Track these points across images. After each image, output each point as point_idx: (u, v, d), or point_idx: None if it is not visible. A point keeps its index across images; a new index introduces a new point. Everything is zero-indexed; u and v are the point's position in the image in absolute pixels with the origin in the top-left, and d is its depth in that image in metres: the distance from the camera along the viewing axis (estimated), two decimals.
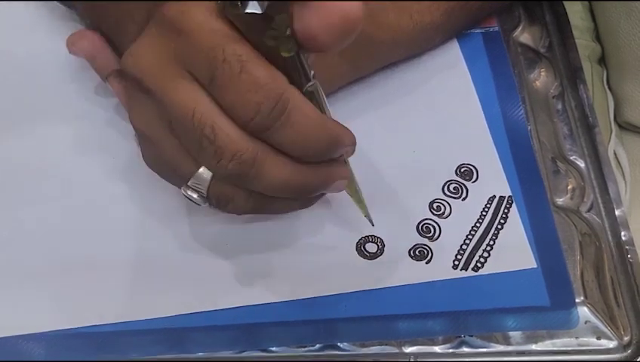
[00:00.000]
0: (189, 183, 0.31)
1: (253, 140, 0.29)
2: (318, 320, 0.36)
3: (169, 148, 0.31)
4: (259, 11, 0.26)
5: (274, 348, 0.35)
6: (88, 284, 0.37)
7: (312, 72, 0.30)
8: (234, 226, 0.38)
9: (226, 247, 0.38)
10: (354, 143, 0.32)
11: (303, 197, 0.33)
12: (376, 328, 0.36)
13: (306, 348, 0.35)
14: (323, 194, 0.35)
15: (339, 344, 0.35)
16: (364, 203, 0.37)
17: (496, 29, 0.46)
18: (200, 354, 0.35)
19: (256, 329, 0.35)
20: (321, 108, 0.31)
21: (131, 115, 0.32)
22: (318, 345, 0.35)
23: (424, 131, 0.42)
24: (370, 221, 0.38)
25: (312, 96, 0.30)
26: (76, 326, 0.36)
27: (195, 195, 0.32)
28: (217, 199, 0.32)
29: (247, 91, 0.28)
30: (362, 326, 0.36)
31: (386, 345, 0.35)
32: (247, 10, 0.26)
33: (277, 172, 0.30)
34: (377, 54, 0.42)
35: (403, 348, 0.35)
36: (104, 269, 0.37)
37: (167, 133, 0.31)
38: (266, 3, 0.26)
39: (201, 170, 0.31)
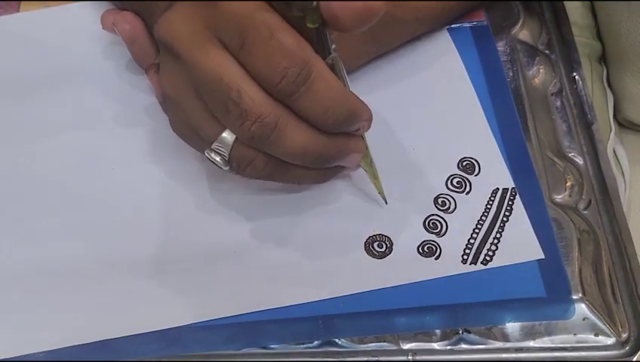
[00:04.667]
0: (212, 146, 0.33)
1: (277, 105, 0.31)
2: (317, 317, 0.36)
3: (195, 112, 0.33)
4: None
5: (273, 346, 0.35)
6: (89, 297, 0.37)
7: (333, 46, 0.31)
8: (242, 233, 0.38)
9: (234, 254, 0.38)
10: (370, 118, 0.34)
11: (319, 166, 0.34)
12: (374, 323, 0.36)
13: (305, 345, 0.35)
14: (338, 171, 0.36)
15: (337, 341, 0.35)
16: (378, 178, 0.38)
17: (485, 23, 0.46)
18: (199, 351, 0.35)
19: (255, 326, 0.36)
20: (341, 81, 0.32)
21: (161, 79, 0.34)
22: (316, 342, 0.35)
23: (422, 127, 0.42)
24: (384, 198, 0.38)
25: (332, 69, 0.32)
26: (83, 342, 0.35)
27: (217, 158, 0.33)
28: (238, 162, 0.33)
29: (275, 56, 0.29)
30: (361, 321, 0.36)
31: (384, 341, 0.35)
32: None
33: (296, 137, 0.32)
34: (401, 32, 0.43)
35: (401, 344, 0.35)
36: (106, 282, 0.37)
37: (194, 97, 0.32)
38: None
39: (225, 133, 0.32)
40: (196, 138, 0.34)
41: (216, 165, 0.34)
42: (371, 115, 0.34)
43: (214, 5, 0.30)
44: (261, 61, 0.30)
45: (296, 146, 0.32)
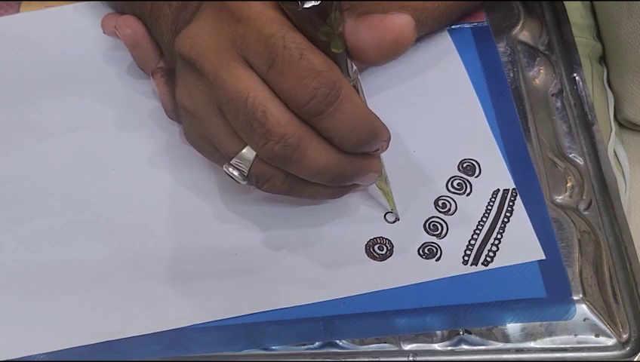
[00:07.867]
0: (231, 161, 0.33)
1: (301, 125, 0.31)
2: (318, 318, 0.36)
3: (216, 127, 0.33)
4: (316, 4, 0.28)
5: (274, 347, 0.35)
6: (91, 299, 0.37)
7: (355, 68, 0.32)
8: (243, 235, 0.38)
9: (235, 256, 0.38)
10: (389, 139, 0.34)
11: (337, 185, 0.35)
12: (375, 324, 0.36)
13: (306, 346, 0.35)
14: (353, 188, 0.37)
15: (338, 342, 0.35)
16: (392, 196, 0.38)
17: (485, 24, 0.46)
18: (200, 353, 0.35)
19: (256, 328, 0.36)
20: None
21: (179, 92, 0.34)
22: (317, 343, 0.35)
23: (422, 129, 0.42)
24: (397, 215, 0.39)
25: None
26: (85, 343, 0.35)
27: (236, 173, 0.33)
28: (257, 178, 0.33)
29: (306, 77, 0.29)
30: (362, 322, 0.36)
31: (385, 342, 0.35)
32: (306, 6, 0.28)
33: (317, 157, 0.32)
34: None
35: (402, 345, 0.35)
36: (107, 283, 0.37)
37: (215, 113, 0.32)
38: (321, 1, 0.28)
39: (245, 150, 0.32)
40: (213, 151, 0.34)
41: (234, 179, 0.34)
42: (390, 136, 0.34)
43: (240, 22, 0.30)
44: (291, 81, 0.29)
45: (317, 166, 0.32)
